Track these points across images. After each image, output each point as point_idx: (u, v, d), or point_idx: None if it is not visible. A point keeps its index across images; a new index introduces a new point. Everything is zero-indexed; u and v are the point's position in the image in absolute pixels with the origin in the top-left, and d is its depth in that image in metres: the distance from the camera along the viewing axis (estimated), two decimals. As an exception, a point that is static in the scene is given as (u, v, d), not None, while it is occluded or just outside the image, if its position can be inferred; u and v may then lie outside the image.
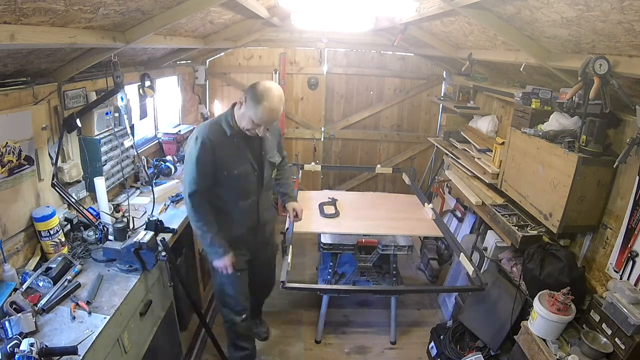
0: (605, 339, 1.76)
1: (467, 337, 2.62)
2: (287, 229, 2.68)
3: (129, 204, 2.53)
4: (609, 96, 1.71)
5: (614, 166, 1.86)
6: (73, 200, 2.21)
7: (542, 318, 1.85)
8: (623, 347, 1.67)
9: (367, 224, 2.87)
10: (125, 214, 2.39)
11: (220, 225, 2.08)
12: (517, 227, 2.38)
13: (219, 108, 4.88)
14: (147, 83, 2.83)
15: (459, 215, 3.79)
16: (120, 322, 1.71)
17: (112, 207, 2.49)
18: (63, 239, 2.02)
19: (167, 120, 3.98)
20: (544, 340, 1.86)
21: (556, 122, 2.26)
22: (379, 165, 4.11)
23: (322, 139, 4.92)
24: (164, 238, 2.06)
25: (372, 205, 3.23)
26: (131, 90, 2.89)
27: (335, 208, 3.07)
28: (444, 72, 4.68)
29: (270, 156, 2.15)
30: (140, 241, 1.90)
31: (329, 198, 3.23)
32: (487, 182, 2.96)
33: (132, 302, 1.83)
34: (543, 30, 1.83)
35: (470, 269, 2.33)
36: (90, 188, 2.40)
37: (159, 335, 2.13)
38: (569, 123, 2.21)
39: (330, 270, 2.98)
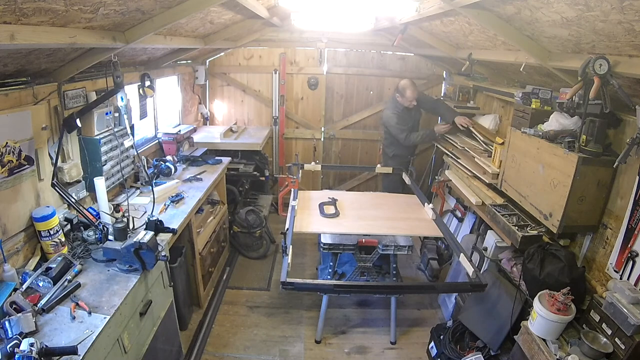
0: (605, 339, 1.76)
1: (467, 337, 2.62)
2: (287, 229, 2.68)
3: (128, 204, 2.53)
4: (609, 96, 1.71)
5: (614, 166, 1.86)
6: (73, 200, 2.21)
7: (542, 318, 1.85)
8: (623, 347, 1.67)
9: (367, 223, 2.87)
10: (125, 214, 2.38)
11: (399, 149, 3.94)
12: (517, 227, 2.38)
13: (219, 108, 4.89)
14: (147, 83, 2.82)
15: (459, 215, 3.79)
16: (120, 322, 1.71)
17: (112, 207, 2.49)
18: (63, 239, 2.02)
19: (167, 120, 3.98)
20: (544, 340, 1.86)
21: (556, 122, 2.25)
22: (379, 165, 4.11)
23: (322, 139, 4.92)
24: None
25: (372, 205, 3.23)
26: (131, 90, 2.89)
27: (335, 208, 3.07)
28: (444, 72, 4.68)
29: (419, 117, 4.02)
30: (140, 241, 1.90)
31: (329, 198, 3.23)
32: (487, 182, 2.95)
33: (132, 302, 1.83)
34: (543, 30, 1.83)
35: (470, 269, 2.33)
36: (90, 188, 2.40)
37: (159, 335, 2.13)
38: (569, 123, 2.21)
39: (330, 270, 2.98)
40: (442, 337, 2.74)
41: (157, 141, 3.59)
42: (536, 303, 1.90)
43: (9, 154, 1.79)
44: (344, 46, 4.62)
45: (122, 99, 2.58)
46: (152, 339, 2.05)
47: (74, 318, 1.58)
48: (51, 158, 2.12)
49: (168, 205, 2.69)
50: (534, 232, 2.34)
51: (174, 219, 2.52)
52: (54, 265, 1.79)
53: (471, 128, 3.54)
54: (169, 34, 2.56)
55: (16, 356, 1.30)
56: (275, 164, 5.01)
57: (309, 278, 3.68)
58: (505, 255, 2.62)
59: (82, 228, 2.18)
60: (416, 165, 4.85)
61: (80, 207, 2.21)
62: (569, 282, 1.96)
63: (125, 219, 2.22)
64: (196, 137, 4.01)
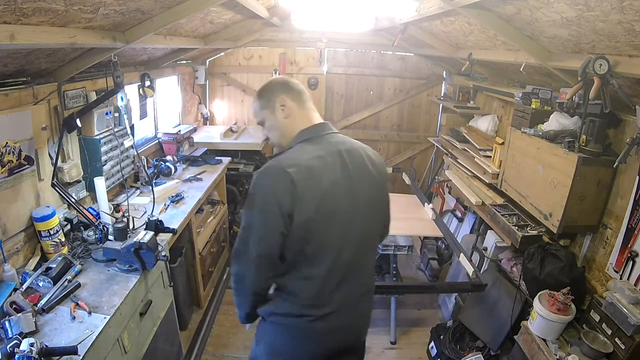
0: (605, 339, 1.76)
1: (467, 337, 2.62)
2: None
3: (128, 204, 2.53)
4: (609, 96, 1.71)
5: (614, 166, 1.86)
6: (73, 200, 2.21)
7: (542, 318, 1.85)
8: (623, 347, 1.67)
9: (367, 224, 2.87)
10: (125, 214, 2.38)
11: None
12: (517, 227, 2.38)
13: (219, 108, 4.88)
14: (147, 83, 2.82)
15: (459, 215, 3.79)
16: (120, 322, 1.71)
17: (112, 207, 2.49)
18: (63, 239, 2.02)
19: (167, 120, 3.98)
20: (544, 340, 1.86)
21: (556, 122, 2.26)
22: (379, 165, 4.11)
23: (322, 139, 4.92)
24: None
25: (372, 205, 3.23)
26: (131, 90, 2.89)
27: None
28: (444, 72, 4.68)
29: None
30: (140, 241, 1.90)
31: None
32: (487, 182, 2.96)
33: (132, 302, 1.83)
34: (543, 30, 1.83)
35: (470, 269, 2.34)
36: (90, 188, 2.39)
37: (159, 335, 2.13)
38: (569, 123, 2.21)
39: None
40: (442, 337, 2.74)
41: (157, 141, 3.58)
42: (536, 303, 1.91)
43: (9, 154, 1.79)
44: (344, 46, 4.62)
45: (122, 99, 2.58)
46: (152, 339, 2.05)
47: (74, 318, 1.58)
48: (51, 158, 2.11)
49: (168, 205, 2.68)
50: (534, 232, 2.34)
51: (174, 219, 2.52)
52: (54, 265, 1.78)
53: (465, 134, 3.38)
54: (169, 34, 2.56)
55: (16, 356, 1.29)
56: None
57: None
58: (505, 255, 2.62)
59: (82, 228, 2.18)
60: (416, 165, 4.86)
61: (80, 207, 2.21)
62: (569, 282, 1.96)
63: (125, 219, 2.22)
64: (196, 137, 4.00)
